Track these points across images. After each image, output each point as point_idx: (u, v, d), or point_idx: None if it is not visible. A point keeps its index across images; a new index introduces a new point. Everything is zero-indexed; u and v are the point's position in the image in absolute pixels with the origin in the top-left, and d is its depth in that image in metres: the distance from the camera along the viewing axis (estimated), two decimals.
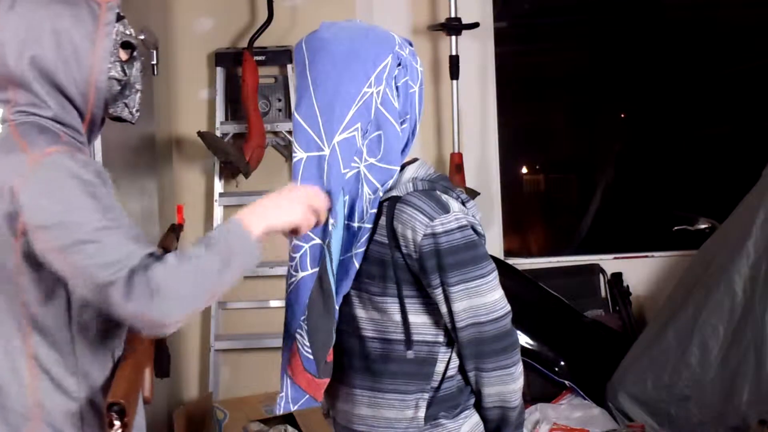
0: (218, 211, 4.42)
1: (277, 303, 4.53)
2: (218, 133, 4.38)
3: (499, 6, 4.79)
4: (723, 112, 5.57)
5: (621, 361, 4.11)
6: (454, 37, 4.39)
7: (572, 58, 5.86)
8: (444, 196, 1.83)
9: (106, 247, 1.58)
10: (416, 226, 1.79)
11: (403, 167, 1.90)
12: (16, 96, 1.73)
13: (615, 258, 4.72)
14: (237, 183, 4.50)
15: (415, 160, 1.93)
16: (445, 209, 1.81)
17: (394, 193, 1.84)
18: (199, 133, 4.24)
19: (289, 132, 4.41)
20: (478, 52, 4.61)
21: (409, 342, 1.84)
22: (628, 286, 4.61)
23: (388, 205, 1.84)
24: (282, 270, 4.46)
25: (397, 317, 1.84)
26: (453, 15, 4.38)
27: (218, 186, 4.42)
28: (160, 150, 4.17)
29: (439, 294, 1.81)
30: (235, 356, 4.53)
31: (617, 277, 4.63)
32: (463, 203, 1.87)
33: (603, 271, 4.66)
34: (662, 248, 4.78)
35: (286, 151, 4.52)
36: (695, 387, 3.86)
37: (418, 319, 1.85)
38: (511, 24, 5.13)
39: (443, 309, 1.82)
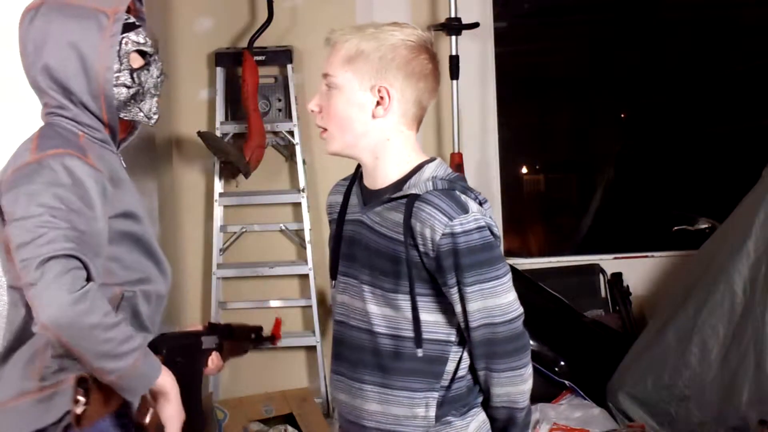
0: (218, 211, 4.42)
1: (277, 303, 4.54)
2: (218, 133, 4.38)
3: (499, 6, 4.79)
4: (723, 112, 5.57)
5: (621, 361, 4.11)
6: (454, 37, 4.39)
7: (572, 58, 5.86)
8: (463, 197, 1.83)
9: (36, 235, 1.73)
10: (435, 225, 1.79)
11: (421, 166, 1.89)
12: (47, 99, 1.91)
13: (615, 258, 4.72)
14: (237, 183, 4.49)
15: (433, 159, 1.92)
16: (465, 209, 1.80)
17: (413, 191, 1.84)
18: (199, 133, 4.24)
19: (290, 132, 4.41)
20: (478, 52, 4.61)
21: (419, 340, 1.84)
22: (628, 286, 4.61)
23: (407, 203, 1.83)
24: (282, 270, 4.47)
25: (410, 314, 1.84)
26: (453, 15, 4.38)
27: (218, 186, 4.42)
28: (160, 150, 4.17)
29: (454, 293, 1.81)
30: None
31: (617, 277, 4.63)
32: (481, 204, 1.86)
33: (603, 271, 4.66)
34: (662, 248, 4.78)
35: (286, 151, 4.52)
36: (695, 387, 3.86)
37: (431, 317, 1.85)
38: (511, 24, 5.13)
39: (457, 308, 1.82)
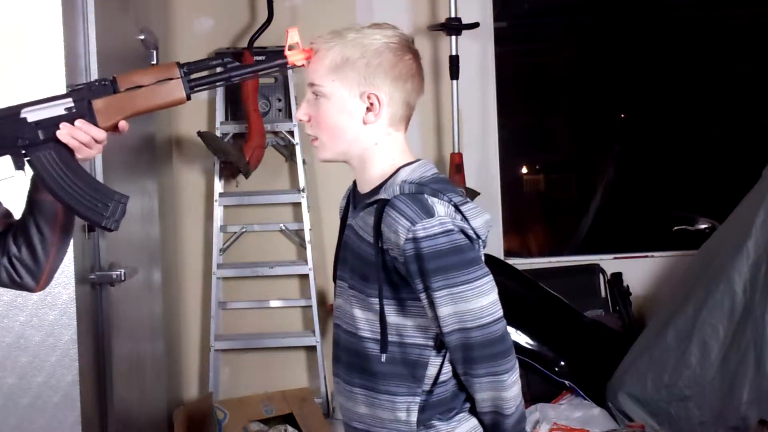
0: (218, 211, 4.43)
1: (278, 303, 4.54)
2: (218, 133, 4.38)
3: (499, 6, 4.79)
4: (723, 112, 5.58)
5: (621, 361, 4.11)
6: (454, 37, 4.39)
7: (572, 58, 5.87)
8: (431, 200, 1.80)
9: None
10: (399, 230, 1.78)
11: (400, 169, 1.89)
12: None
13: (615, 258, 4.72)
14: (237, 183, 4.50)
15: (417, 160, 1.92)
16: (429, 213, 1.78)
17: (383, 196, 1.84)
18: (199, 133, 4.24)
19: (290, 132, 4.42)
20: (478, 52, 4.61)
21: (384, 345, 1.84)
22: (628, 286, 4.61)
23: (377, 207, 1.83)
24: (282, 270, 4.48)
25: (388, 318, 1.84)
26: (453, 15, 4.38)
27: (218, 186, 4.42)
28: (160, 150, 4.17)
29: (424, 298, 1.80)
30: (235, 356, 4.53)
31: (617, 277, 4.63)
32: (457, 207, 1.84)
33: (603, 271, 4.66)
34: (662, 248, 4.78)
35: (286, 151, 4.52)
36: (695, 387, 3.86)
37: (409, 321, 1.85)
38: (511, 24, 5.13)
39: (430, 313, 1.81)
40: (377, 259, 1.82)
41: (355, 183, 1.98)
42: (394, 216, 1.79)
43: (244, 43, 4.38)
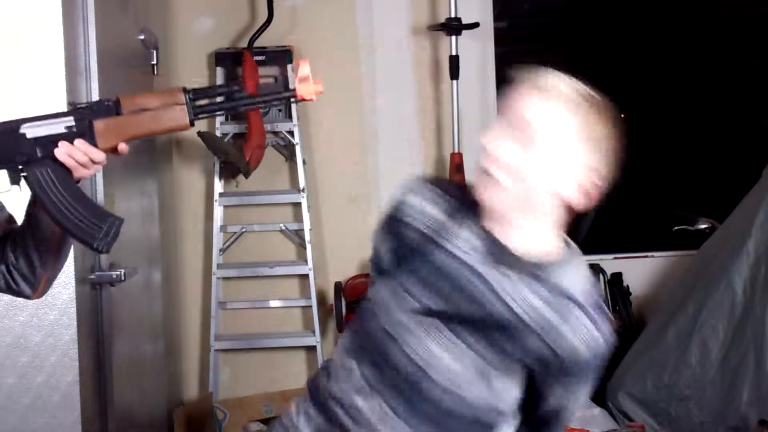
0: (218, 211, 4.43)
1: (277, 303, 4.54)
2: (218, 133, 4.38)
3: (499, 6, 4.79)
4: (723, 112, 5.58)
5: (621, 361, 4.11)
6: (454, 37, 4.39)
7: (572, 58, 5.87)
8: (604, 319, 1.73)
9: None
10: (587, 340, 1.68)
11: (565, 255, 1.72)
12: None
13: (615, 258, 4.72)
14: (237, 183, 4.50)
15: (566, 240, 1.75)
16: (609, 334, 1.71)
17: (574, 294, 1.68)
18: (199, 133, 4.24)
19: (290, 132, 4.41)
20: (478, 52, 4.61)
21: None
22: (628, 286, 4.61)
23: (558, 299, 1.67)
24: (282, 270, 4.47)
25: (491, 384, 1.72)
26: (453, 15, 4.38)
27: (218, 186, 4.42)
28: (160, 150, 4.17)
29: (547, 388, 1.74)
30: (235, 356, 4.53)
31: (617, 277, 4.63)
32: None
33: (603, 271, 4.65)
34: (662, 248, 4.78)
35: (286, 151, 4.52)
36: (695, 387, 3.86)
37: (507, 388, 1.74)
38: (511, 24, 5.14)
39: (544, 397, 1.77)
40: (522, 340, 1.68)
41: (474, 210, 1.72)
42: (587, 324, 1.68)
43: (244, 43, 4.38)
